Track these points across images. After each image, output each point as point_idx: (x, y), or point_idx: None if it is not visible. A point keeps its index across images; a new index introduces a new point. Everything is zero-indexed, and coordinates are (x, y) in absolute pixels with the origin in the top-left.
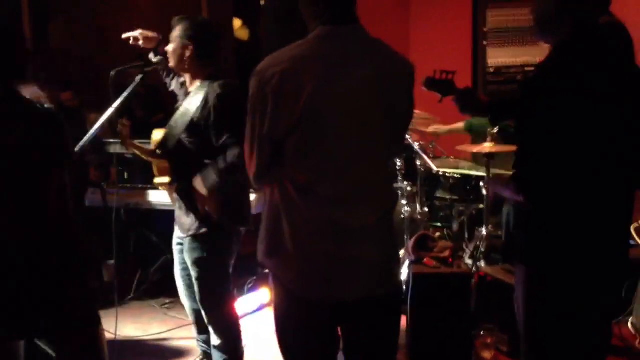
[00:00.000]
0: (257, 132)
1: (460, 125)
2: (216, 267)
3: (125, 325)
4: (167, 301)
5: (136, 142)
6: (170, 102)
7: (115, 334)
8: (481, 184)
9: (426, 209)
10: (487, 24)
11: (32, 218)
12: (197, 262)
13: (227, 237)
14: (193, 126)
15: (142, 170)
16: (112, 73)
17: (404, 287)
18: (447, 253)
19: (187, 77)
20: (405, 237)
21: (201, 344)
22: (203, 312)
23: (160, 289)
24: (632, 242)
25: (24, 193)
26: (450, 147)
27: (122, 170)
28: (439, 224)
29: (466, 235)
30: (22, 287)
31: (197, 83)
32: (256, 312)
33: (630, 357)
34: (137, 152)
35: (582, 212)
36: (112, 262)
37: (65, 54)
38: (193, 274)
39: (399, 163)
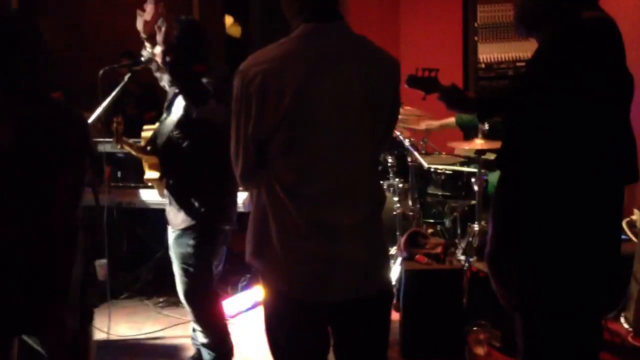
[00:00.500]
0: (242, 133)
1: (451, 119)
2: (199, 263)
3: (118, 324)
4: (161, 300)
5: (128, 140)
6: (164, 100)
7: (108, 333)
8: (472, 180)
9: (418, 206)
10: (477, 19)
11: (34, 215)
12: (180, 257)
13: (212, 235)
14: (182, 123)
15: (134, 170)
16: (101, 72)
17: (397, 283)
18: (439, 249)
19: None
20: (397, 233)
21: (196, 342)
22: (189, 309)
23: (153, 288)
24: (624, 236)
25: (32, 191)
26: (442, 143)
27: (114, 170)
28: (431, 221)
29: (458, 232)
30: (12, 283)
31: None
32: (250, 310)
33: (623, 352)
34: (128, 149)
35: (571, 206)
36: (104, 261)
37: (54, 53)
38: (176, 269)
39: (390, 160)
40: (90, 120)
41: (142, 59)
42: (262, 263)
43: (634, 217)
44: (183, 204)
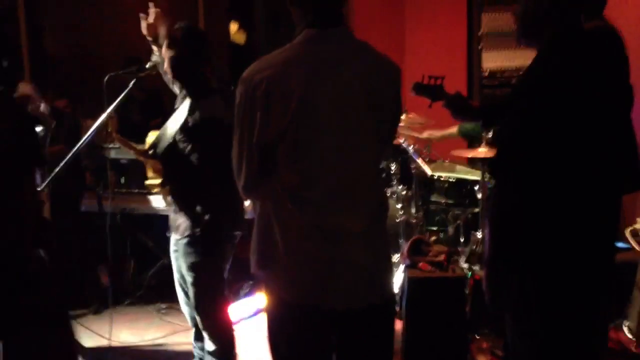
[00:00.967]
0: (245, 141)
1: (454, 130)
2: (211, 271)
3: (121, 330)
4: (164, 306)
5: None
6: (170, 106)
7: (110, 339)
8: (476, 187)
9: (421, 213)
10: (481, 27)
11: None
12: (191, 267)
13: (221, 241)
14: (186, 126)
15: (138, 175)
16: (106, 78)
17: (399, 291)
18: (442, 257)
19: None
20: (401, 241)
21: (197, 350)
22: (197, 318)
23: (156, 294)
24: (626, 245)
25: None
26: (446, 151)
27: (118, 175)
28: (434, 228)
29: (461, 239)
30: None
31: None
32: (252, 316)
33: None
34: (127, 149)
35: (565, 212)
36: (107, 266)
37: (60, 59)
38: (188, 278)
39: (393, 167)
40: (95, 127)
41: (148, 65)
42: (268, 272)
43: (637, 226)
44: (189, 211)
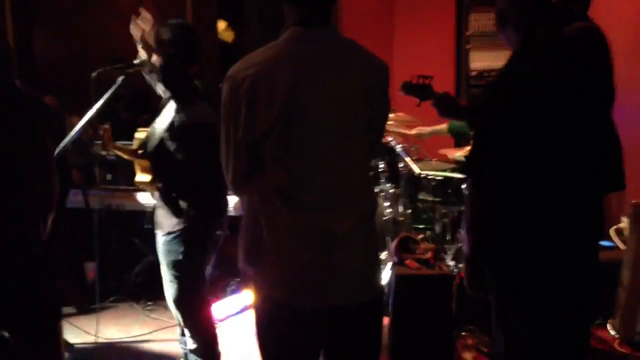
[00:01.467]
0: (232, 138)
1: (443, 126)
2: (191, 269)
3: (107, 327)
4: (149, 303)
5: (119, 143)
6: (156, 103)
7: (96, 336)
8: (463, 186)
9: (409, 211)
10: (469, 27)
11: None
12: (171, 264)
13: (202, 240)
14: (173, 126)
15: (124, 172)
16: (94, 75)
17: (386, 288)
18: (429, 255)
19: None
20: (388, 239)
21: (183, 345)
22: (179, 315)
23: (142, 291)
24: (611, 244)
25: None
26: (434, 149)
27: (104, 172)
28: (421, 226)
29: (448, 237)
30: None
31: None
32: (239, 314)
33: (610, 358)
34: (120, 154)
35: (540, 213)
36: (93, 263)
37: (48, 57)
38: (167, 276)
39: (381, 165)
40: (81, 124)
41: (136, 61)
42: (255, 269)
43: (621, 225)
44: (173, 209)
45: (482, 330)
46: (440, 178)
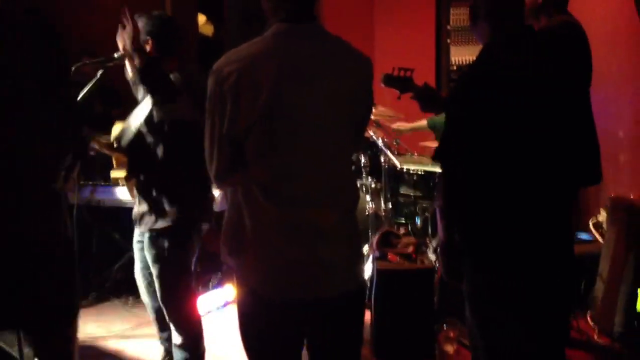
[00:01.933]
0: (216, 132)
1: (423, 122)
2: (177, 263)
3: (87, 323)
4: (130, 299)
5: (97, 136)
6: (128, 97)
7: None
8: None
9: (390, 205)
10: (450, 22)
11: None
12: (157, 259)
13: (187, 233)
14: (150, 120)
15: (104, 168)
16: (72, 68)
17: (368, 282)
18: (410, 249)
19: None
20: (370, 233)
21: (163, 341)
22: (165, 310)
23: (123, 287)
24: (589, 237)
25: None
26: (415, 143)
27: (84, 168)
28: (402, 220)
29: (429, 231)
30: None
31: None
32: (221, 309)
33: (589, 349)
34: (97, 147)
35: (510, 211)
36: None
37: None
38: (154, 271)
39: (363, 160)
40: None
41: (116, 55)
42: (238, 262)
43: (599, 218)
44: (155, 204)
45: (464, 323)
46: (421, 172)
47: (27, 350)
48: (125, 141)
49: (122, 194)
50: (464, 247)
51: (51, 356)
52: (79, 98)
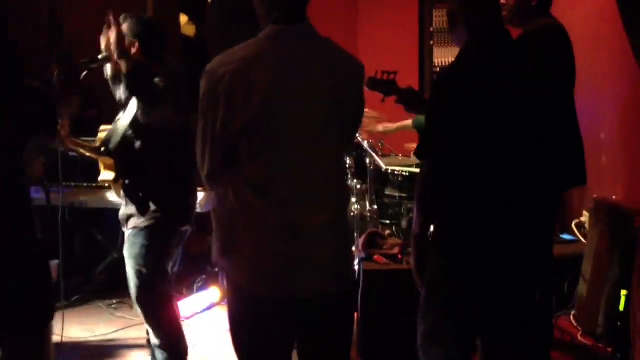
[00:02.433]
0: (209, 133)
1: (408, 122)
2: (154, 264)
3: (71, 326)
4: (114, 301)
5: (81, 139)
6: (104, 99)
7: (62, 336)
8: None
9: (375, 207)
10: (433, 23)
11: None
12: (133, 257)
13: (167, 235)
14: (136, 123)
15: (88, 169)
16: (57, 70)
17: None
18: (396, 250)
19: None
20: (355, 234)
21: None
22: (140, 310)
23: (107, 289)
24: (572, 237)
25: None
26: (399, 145)
27: (67, 169)
28: (388, 222)
29: None
30: None
31: None
32: (206, 311)
33: (573, 350)
34: (81, 151)
35: (481, 207)
36: (55, 261)
37: None
38: (128, 266)
39: (348, 161)
40: None
41: (100, 56)
42: (229, 262)
43: (582, 219)
44: (139, 205)
45: None
46: (406, 174)
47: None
48: (112, 145)
49: (107, 195)
50: (436, 239)
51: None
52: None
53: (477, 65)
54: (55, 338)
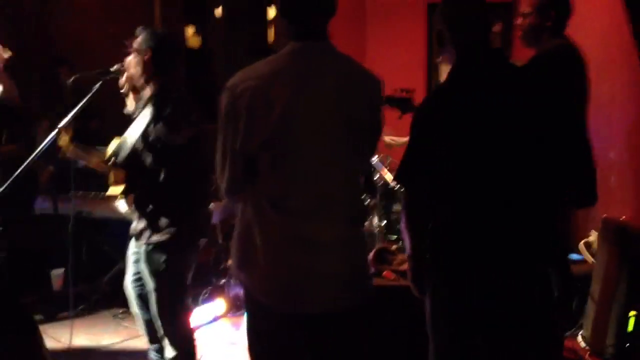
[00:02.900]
0: (228, 147)
1: None
2: (174, 278)
3: (77, 335)
4: (120, 311)
5: (93, 148)
6: (106, 109)
7: (70, 344)
8: None
9: (384, 222)
10: None
11: None
12: (155, 273)
13: (185, 248)
14: (147, 139)
15: (95, 178)
16: (70, 81)
17: None
18: (405, 266)
19: (140, 84)
20: None
21: (154, 353)
22: (160, 324)
23: (113, 299)
24: (580, 257)
25: None
26: None
27: (74, 178)
28: (395, 237)
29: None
30: None
31: (148, 91)
32: (211, 323)
33: None
34: (84, 161)
35: (472, 230)
36: (61, 270)
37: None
38: (151, 284)
39: None
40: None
41: (113, 68)
42: (246, 275)
43: (590, 239)
44: (152, 219)
45: None
46: None
47: None
48: (121, 157)
49: (113, 205)
50: (428, 261)
51: None
52: (75, 110)
53: (461, 87)
54: (62, 346)
